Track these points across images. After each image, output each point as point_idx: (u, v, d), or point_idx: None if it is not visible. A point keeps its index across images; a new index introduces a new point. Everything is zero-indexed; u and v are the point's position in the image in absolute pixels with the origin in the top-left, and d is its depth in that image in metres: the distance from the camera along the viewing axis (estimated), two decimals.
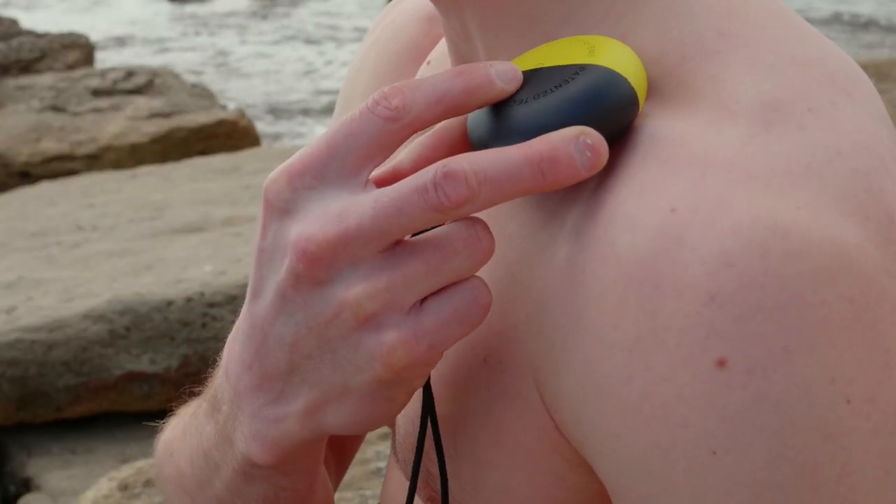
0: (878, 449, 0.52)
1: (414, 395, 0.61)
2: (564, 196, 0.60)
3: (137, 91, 5.61)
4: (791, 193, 0.53)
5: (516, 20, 0.64)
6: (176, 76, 5.91)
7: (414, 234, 0.58)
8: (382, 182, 0.60)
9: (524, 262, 0.61)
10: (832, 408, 0.51)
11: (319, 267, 0.56)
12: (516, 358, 0.60)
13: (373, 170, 0.58)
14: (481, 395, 0.61)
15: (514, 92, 0.59)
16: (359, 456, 2.47)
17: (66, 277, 3.36)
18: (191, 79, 7.28)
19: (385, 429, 0.98)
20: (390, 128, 0.57)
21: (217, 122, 5.21)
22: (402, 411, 0.62)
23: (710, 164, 0.54)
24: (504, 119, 0.58)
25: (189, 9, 11.52)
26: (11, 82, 5.78)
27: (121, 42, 10.31)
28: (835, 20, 9.83)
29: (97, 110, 5.37)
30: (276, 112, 8.01)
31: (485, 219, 0.59)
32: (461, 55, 0.70)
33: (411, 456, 0.70)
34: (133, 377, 3.12)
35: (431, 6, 0.82)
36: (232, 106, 6.44)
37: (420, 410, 0.64)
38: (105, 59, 8.83)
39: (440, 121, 0.59)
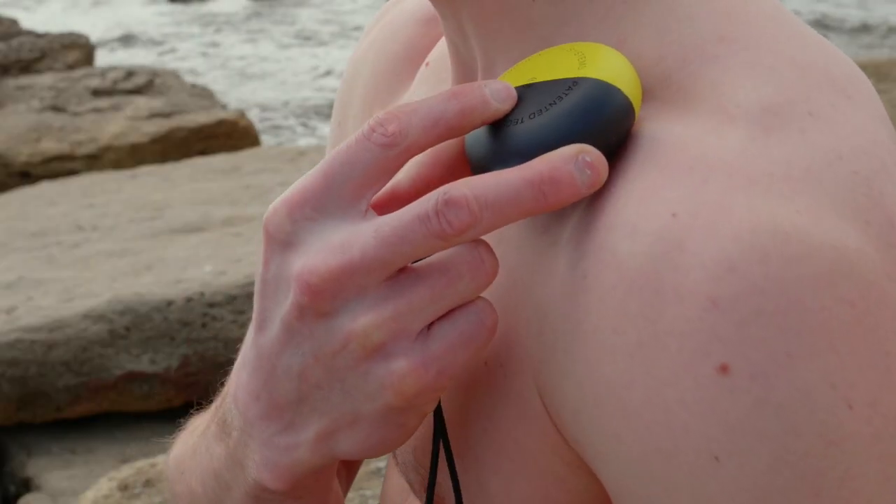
0: (880, 453, 0.52)
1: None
2: None
3: (137, 91, 5.61)
4: (791, 198, 0.52)
5: (513, 23, 0.64)
6: (176, 76, 5.91)
7: (416, 259, 0.58)
8: (381, 204, 0.60)
9: (524, 266, 0.61)
10: (834, 413, 0.50)
11: (324, 299, 0.56)
12: (517, 361, 0.60)
13: (371, 197, 0.58)
14: (482, 398, 0.61)
15: (509, 110, 0.59)
16: None
17: (66, 277, 3.36)
18: (200, 81, 7.28)
19: None
20: (387, 154, 0.57)
21: (217, 122, 5.21)
22: None
23: (710, 169, 0.54)
24: (502, 140, 0.58)
25: (190, 9, 11.52)
26: (11, 82, 5.78)
27: (124, 43, 10.31)
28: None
29: (97, 110, 5.37)
30: (282, 112, 8.01)
31: None
32: (460, 56, 0.70)
33: (411, 458, 0.70)
34: (133, 377, 3.12)
35: (430, 7, 0.82)
36: (247, 106, 6.44)
37: (426, 426, 0.64)
38: (109, 60, 8.83)
39: (437, 144, 0.59)
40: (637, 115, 0.57)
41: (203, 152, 5.01)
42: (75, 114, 5.35)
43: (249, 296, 3.16)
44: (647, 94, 0.59)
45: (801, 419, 0.50)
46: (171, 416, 3.14)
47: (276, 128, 7.66)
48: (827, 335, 0.51)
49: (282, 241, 0.58)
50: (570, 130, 0.56)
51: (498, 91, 0.59)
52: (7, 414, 3.11)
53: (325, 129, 7.51)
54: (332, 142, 0.91)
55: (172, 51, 10.02)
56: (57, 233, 3.77)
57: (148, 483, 2.54)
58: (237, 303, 3.17)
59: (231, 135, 5.18)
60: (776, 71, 0.58)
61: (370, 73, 0.86)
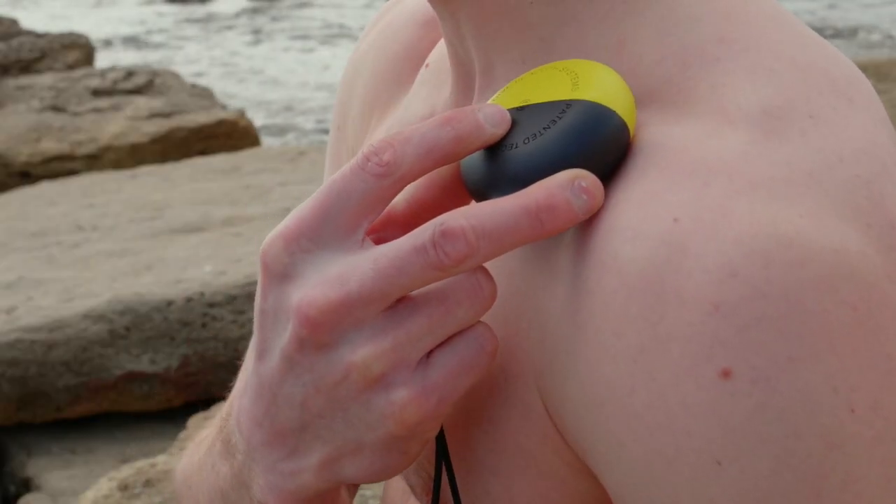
0: (882, 456, 0.52)
1: None
2: None
3: (137, 91, 5.61)
4: (793, 202, 0.52)
5: (511, 24, 0.64)
6: (176, 76, 5.92)
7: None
8: (377, 228, 0.60)
9: (526, 270, 0.61)
10: (836, 416, 0.50)
11: (323, 331, 0.56)
12: (519, 365, 0.60)
13: (368, 226, 0.58)
14: (484, 400, 0.61)
15: (504, 134, 0.59)
16: None
17: (66, 277, 3.36)
18: (206, 84, 7.28)
19: None
20: (382, 184, 0.57)
21: (217, 122, 5.21)
22: None
23: (711, 173, 0.54)
24: (497, 165, 0.58)
25: (189, 10, 11.52)
26: (11, 82, 5.78)
27: (126, 43, 10.31)
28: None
29: (97, 110, 5.37)
30: (283, 112, 8.01)
31: None
32: (458, 58, 0.69)
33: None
34: (133, 377, 3.12)
35: (429, 9, 0.82)
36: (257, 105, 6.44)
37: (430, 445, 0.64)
38: (112, 62, 8.82)
39: (432, 171, 0.59)
40: (632, 134, 0.57)
41: (203, 152, 5.01)
42: (75, 114, 5.35)
43: (249, 296, 3.16)
44: (647, 96, 0.59)
45: (803, 423, 0.50)
46: (171, 416, 3.16)
47: (282, 129, 7.66)
48: (828, 338, 0.51)
49: (279, 273, 0.58)
50: (564, 155, 0.56)
51: (492, 115, 0.59)
52: (7, 414, 3.12)
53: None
54: (331, 145, 0.91)
55: (174, 51, 10.01)
56: (57, 233, 3.77)
57: (148, 483, 2.54)
58: (237, 303, 3.17)
59: (231, 135, 5.18)
60: (777, 73, 0.58)
61: (370, 76, 0.85)
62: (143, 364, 3.12)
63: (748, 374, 0.51)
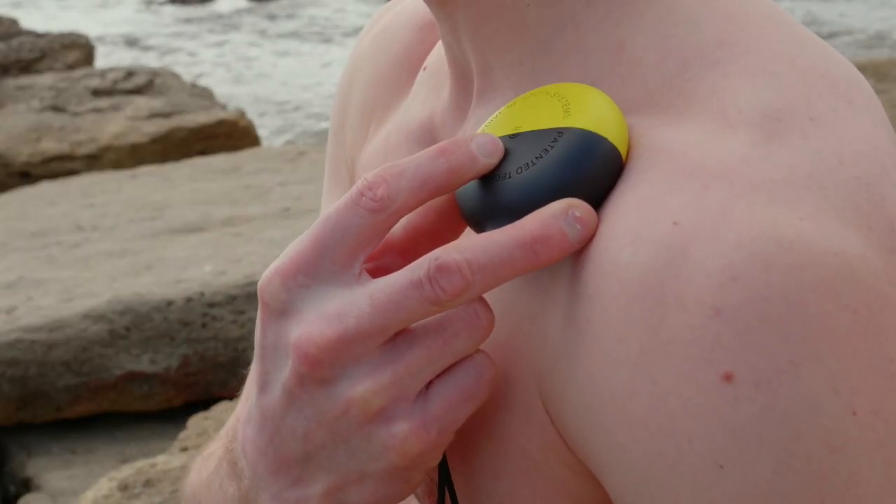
0: (883, 459, 0.52)
1: None
2: None
3: (137, 91, 5.61)
4: (794, 205, 0.52)
5: (508, 26, 0.64)
6: (176, 76, 5.92)
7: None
8: (375, 256, 0.61)
9: (527, 276, 0.61)
10: (838, 419, 0.51)
11: (322, 368, 0.57)
12: (520, 370, 0.60)
13: (364, 259, 0.58)
14: (486, 406, 0.61)
15: (497, 164, 0.59)
16: None
17: (66, 277, 3.36)
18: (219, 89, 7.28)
19: None
20: (377, 218, 0.57)
21: (217, 122, 5.21)
22: None
23: (711, 176, 0.54)
24: (492, 195, 0.58)
25: (190, 10, 11.52)
26: (11, 82, 5.78)
27: (126, 43, 10.31)
28: None
29: (97, 110, 5.37)
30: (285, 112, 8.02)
31: None
32: (456, 59, 0.69)
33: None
34: (133, 377, 3.12)
35: (426, 14, 0.82)
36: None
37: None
38: (112, 62, 8.83)
39: (426, 202, 0.59)
40: (625, 158, 0.57)
41: (203, 152, 5.01)
42: (75, 114, 5.35)
43: (249, 296, 3.16)
44: (646, 98, 0.59)
45: (805, 426, 0.50)
46: (171, 416, 3.16)
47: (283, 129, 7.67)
48: (830, 342, 0.51)
49: (278, 309, 0.58)
50: (557, 184, 0.57)
51: (484, 145, 0.59)
52: (7, 414, 3.12)
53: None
54: (330, 151, 0.91)
55: (174, 51, 10.02)
56: (57, 233, 3.77)
57: (148, 483, 2.54)
58: (237, 303, 3.17)
59: (231, 135, 5.19)
60: (777, 75, 0.57)
61: (367, 81, 0.85)
62: (143, 364, 3.12)
63: (750, 378, 0.51)
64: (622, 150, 0.57)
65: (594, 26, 0.62)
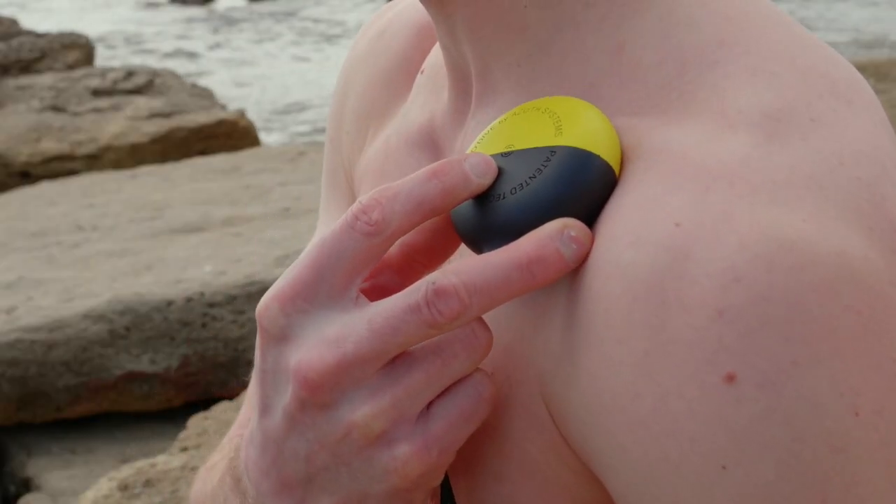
0: (885, 459, 0.52)
1: None
2: None
3: (137, 91, 5.61)
4: (795, 206, 0.52)
5: (507, 27, 0.64)
6: (176, 76, 5.92)
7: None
8: (371, 275, 0.61)
9: None
10: (840, 420, 0.51)
11: (322, 393, 0.57)
12: (522, 372, 0.60)
13: (360, 282, 0.59)
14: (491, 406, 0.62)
15: (491, 183, 0.59)
16: None
17: (66, 277, 3.36)
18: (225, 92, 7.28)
19: None
20: (373, 242, 0.58)
21: (217, 122, 5.22)
22: None
23: (713, 177, 0.54)
24: (487, 216, 0.59)
25: (190, 10, 11.52)
26: (11, 82, 5.78)
27: (127, 44, 10.31)
28: None
29: (97, 110, 5.37)
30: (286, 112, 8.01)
31: None
32: (455, 62, 0.69)
33: None
34: (133, 377, 3.12)
35: (422, 17, 0.82)
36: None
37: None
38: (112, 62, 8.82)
39: (421, 224, 0.59)
40: (618, 173, 0.57)
41: (203, 152, 5.01)
42: (75, 114, 5.35)
43: (249, 296, 3.16)
44: (647, 99, 0.59)
45: (808, 427, 0.50)
46: (171, 416, 3.16)
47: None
48: (833, 343, 0.51)
49: (276, 334, 0.59)
50: (552, 204, 0.57)
51: (477, 165, 0.59)
52: (7, 414, 3.12)
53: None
54: (327, 155, 0.91)
55: (173, 51, 10.01)
56: (57, 233, 3.77)
57: (148, 483, 2.54)
58: (237, 303, 3.17)
59: (231, 135, 5.19)
60: (777, 76, 0.57)
61: (363, 87, 0.85)
62: (143, 364, 3.12)
63: (753, 379, 0.51)
64: (615, 165, 0.57)
65: (593, 27, 0.62)
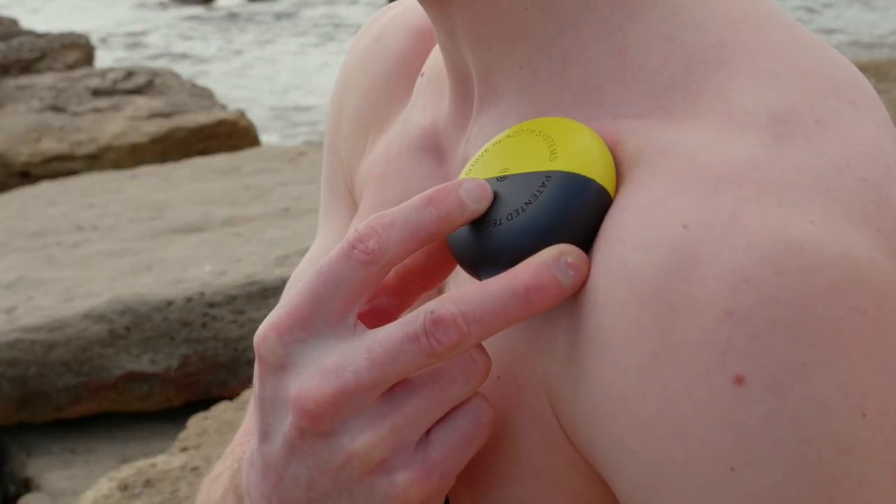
0: (891, 460, 0.52)
1: None
2: None
3: (137, 91, 5.61)
4: (803, 207, 0.53)
5: (506, 31, 0.64)
6: (176, 76, 5.91)
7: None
8: (368, 300, 0.61)
9: None
10: (848, 421, 0.51)
11: (322, 422, 0.57)
12: (529, 375, 0.60)
13: (358, 310, 0.59)
14: (495, 411, 0.62)
15: (486, 209, 0.60)
16: None
17: (66, 277, 3.36)
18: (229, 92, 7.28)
19: None
20: (369, 270, 0.58)
21: (217, 122, 5.21)
22: None
23: (720, 179, 0.54)
24: (483, 242, 0.59)
25: (190, 9, 11.52)
26: (11, 82, 5.78)
27: (127, 43, 10.31)
28: None
29: (97, 110, 5.37)
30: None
31: None
32: (455, 65, 0.69)
33: None
34: (133, 377, 3.12)
35: (418, 22, 0.82)
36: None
37: None
38: (112, 62, 8.82)
39: (417, 251, 0.59)
40: (613, 194, 0.58)
41: (203, 152, 5.01)
42: (75, 114, 5.35)
43: (249, 296, 3.16)
44: (651, 101, 0.59)
45: (816, 428, 0.51)
46: (171, 416, 3.16)
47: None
48: (840, 344, 0.51)
49: (275, 364, 0.59)
50: (548, 231, 0.57)
51: (473, 191, 0.59)
52: (7, 414, 3.12)
53: None
54: (326, 161, 0.90)
55: (173, 51, 10.01)
56: (57, 233, 3.77)
57: (148, 483, 2.54)
58: (237, 303, 3.17)
59: (231, 135, 5.19)
60: (781, 77, 0.58)
61: (361, 92, 0.85)
62: (143, 364, 3.12)
63: (761, 381, 0.51)
64: (609, 187, 0.57)
65: (595, 30, 0.62)
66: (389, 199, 0.74)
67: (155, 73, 5.83)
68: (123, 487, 2.54)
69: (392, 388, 0.58)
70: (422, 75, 0.78)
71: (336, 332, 0.58)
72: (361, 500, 0.59)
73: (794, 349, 0.51)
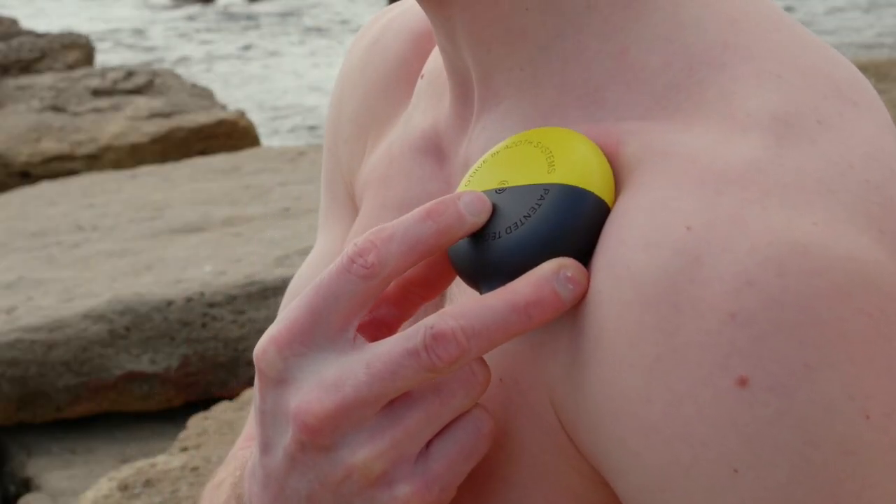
0: (895, 462, 0.52)
1: None
2: None
3: (137, 91, 5.61)
4: (806, 209, 0.53)
5: (506, 32, 0.64)
6: (176, 76, 5.91)
7: None
8: (369, 310, 0.61)
9: None
10: (852, 424, 0.51)
11: (322, 436, 0.58)
12: (531, 378, 0.60)
13: (357, 323, 0.59)
14: (497, 413, 0.62)
15: (486, 221, 0.60)
16: None
17: (66, 277, 3.36)
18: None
19: None
20: (369, 284, 0.58)
21: (217, 122, 5.21)
22: None
23: (723, 181, 0.54)
24: (482, 255, 0.59)
25: (190, 9, 11.52)
26: (11, 82, 5.78)
27: (126, 43, 10.30)
28: None
29: (97, 110, 5.37)
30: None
31: None
32: (455, 66, 0.69)
33: None
34: (133, 377, 3.12)
35: (416, 24, 0.82)
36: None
37: None
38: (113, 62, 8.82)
39: (417, 264, 0.60)
40: (611, 205, 0.58)
41: (203, 152, 5.00)
42: (75, 114, 5.35)
43: (249, 296, 3.16)
44: (654, 102, 0.59)
45: (820, 430, 0.51)
46: (171, 416, 3.16)
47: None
48: (845, 347, 0.51)
49: (275, 378, 0.59)
50: (547, 244, 0.58)
51: (472, 204, 0.60)
52: (7, 414, 3.12)
53: None
54: (326, 165, 0.90)
55: (174, 50, 10.01)
56: (57, 233, 3.77)
57: (148, 483, 2.54)
58: (237, 303, 3.17)
59: (231, 135, 5.18)
60: (783, 79, 0.58)
61: (361, 93, 0.85)
62: (143, 364, 3.12)
63: (765, 382, 0.51)
64: (608, 199, 0.58)
65: (596, 31, 0.62)
66: (390, 201, 0.74)
67: (155, 73, 5.83)
68: (123, 487, 2.54)
69: (392, 400, 0.58)
70: (421, 77, 0.78)
71: (335, 346, 0.58)
72: None
73: (798, 351, 0.51)
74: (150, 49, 10.09)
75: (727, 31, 0.60)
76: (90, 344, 3.09)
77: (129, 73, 5.79)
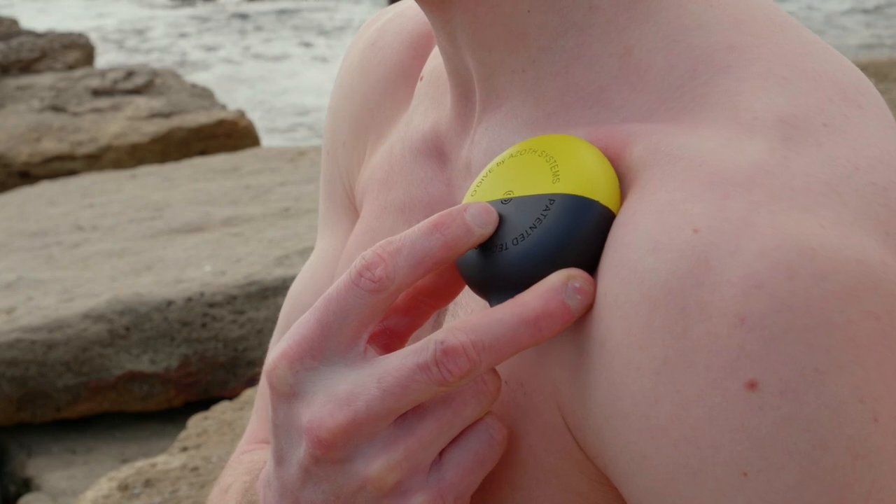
0: None
1: None
2: None
3: (137, 91, 5.61)
4: (814, 212, 0.53)
5: (508, 33, 0.64)
6: (176, 76, 5.91)
7: None
8: (379, 320, 0.61)
9: None
10: (861, 427, 0.51)
11: (336, 450, 0.58)
12: (537, 380, 0.61)
13: (367, 336, 0.59)
14: (503, 415, 0.62)
15: (492, 233, 0.60)
16: None
17: (66, 277, 3.36)
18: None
19: None
20: (378, 298, 0.58)
21: (217, 122, 5.21)
22: None
23: (730, 184, 0.54)
24: (490, 266, 0.60)
25: (190, 9, 11.51)
26: (11, 82, 5.78)
27: (126, 43, 10.30)
28: None
29: (97, 110, 5.37)
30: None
31: None
32: (455, 68, 0.69)
33: None
34: (133, 377, 3.12)
35: (414, 25, 0.81)
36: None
37: None
38: (112, 62, 8.82)
39: (424, 276, 0.60)
40: (616, 212, 0.58)
41: (203, 152, 5.00)
42: (75, 114, 5.35)
43: (249, 296, 3.16)
44: (659, 104, 0.59)
45: (830, 434, 0.51)
46: (171, 416, 3.16)
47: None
48: (854, 350, 0.51)
49: (286, 393, 0.59)
50: (554, 255, 0.58)
51: (478, 216, 0.60)
52: (7, 414, 3.11)
53: None
54: (325, 168, 0.90)
55: (173, 51, 10.01)
56: (57, 233, 3.77)
57: (148, 483, 2.54)
58: (237, 303, 3.17)
59: (231, 135, 5.18)
60: (789, 81, 0.58)
61: (358, 99, 0.85)
62: (143, 364, 3.12)
63: (775, 386, 0.51)
64: (613, 207, 0.58)
65: (598, 32, 0.62)
66: (392, 204, 0.74)
67: (155, 73, 5.83)
68: (123, 487, 2.54)
69: (404, 413, 0.58)
70: (421, 79, 0.78)
71: (346, 360, 0.59)
72: None
73: (807, 355, 0.51)
74: (150, 49, 10.09)
75: (732, 33, 0.60)
76: (90, 344, 3.09)
77: (129, 73, 5.79)
